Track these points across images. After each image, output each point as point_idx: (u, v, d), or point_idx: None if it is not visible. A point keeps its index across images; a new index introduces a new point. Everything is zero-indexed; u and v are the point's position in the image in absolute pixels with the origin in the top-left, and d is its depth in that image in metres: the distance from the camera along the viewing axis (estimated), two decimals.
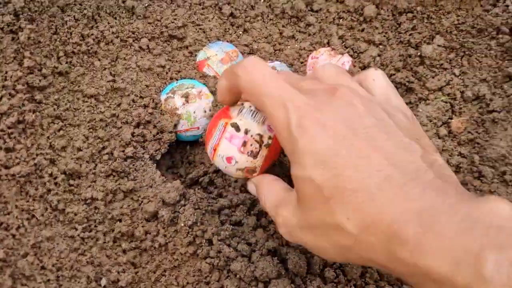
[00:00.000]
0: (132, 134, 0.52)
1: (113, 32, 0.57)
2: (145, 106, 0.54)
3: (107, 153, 0.51)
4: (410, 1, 0.62)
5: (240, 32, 0.63)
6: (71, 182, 0.48)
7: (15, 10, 0.51)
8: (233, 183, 0.54)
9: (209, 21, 0.62)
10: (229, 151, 0.38)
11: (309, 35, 0.64)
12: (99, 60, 0.56)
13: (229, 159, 0.38)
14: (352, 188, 0.28)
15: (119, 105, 0.54)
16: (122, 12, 0.59)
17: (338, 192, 0.28)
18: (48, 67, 0.52)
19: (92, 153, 0.50)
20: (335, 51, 0.60)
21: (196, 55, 0.60)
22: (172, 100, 0.55)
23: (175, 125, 0.54)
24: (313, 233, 0.31)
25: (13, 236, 0.43)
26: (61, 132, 0.50)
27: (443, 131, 0.55)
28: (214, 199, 0.52)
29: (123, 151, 0.51)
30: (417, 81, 0.59)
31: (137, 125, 0.53)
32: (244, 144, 0.37)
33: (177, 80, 0.58)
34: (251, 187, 0.41)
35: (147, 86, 0.56)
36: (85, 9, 0.56)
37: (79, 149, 0.50)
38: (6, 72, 0.49)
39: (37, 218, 0.45)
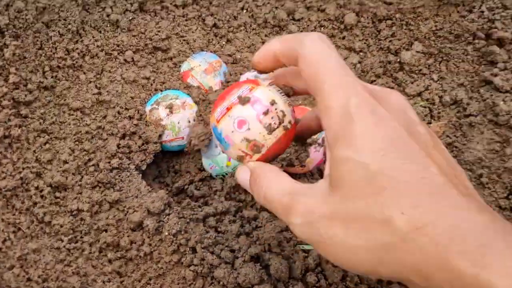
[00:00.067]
0: (118, 146, 0.53)
1: (98, 46, 0.58)
2: (130, 118, 0.56)
3: (93, 165, 0.52)
4: (389, 8, 0.64)
5: (224, 42, 0.65)
6: (57, 194, 0.49)
7: (0, 27, 0.52)
8: (218, 191, 0.56)
9: (192, 32, 0.64)
10: (246, 113, 0.33)
11: None
12: (84, 73, 0.57)
13: (241, 123, 0.34)
14: (412, 182, 0.26)
15: (104, 117, 0.55)
16: (107, 26, 0.60)
17: (395, 183, 0.26)
18: (34, 82, 0.53)
19: (78, 165, 0.51)
20: None
21: (180, 66, 0.62)
22: (156, 111, 0.56)
23: (160, 136, 0.55)
24: (347, 227, 0.27)
25: (0, 249, 0.44)
26: (47, 146, 0.51)
27: None
28: (199, 207, 0.53)
29: (109, 162, 0.52)
30: (397, 86, 0.60)
31: (123, 137, 0.54)
32: (266, 113, 0.33)
33: (161, 91, 0.59)
34: (243, 174, 0.35)
35: (132, 97, 0.57)
36: (69, 24, 0.57)
37: (65, 162, 0.51)
38: None
39: (23, 231, 0.46)
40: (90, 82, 0.57)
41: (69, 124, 0.54)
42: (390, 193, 0.26)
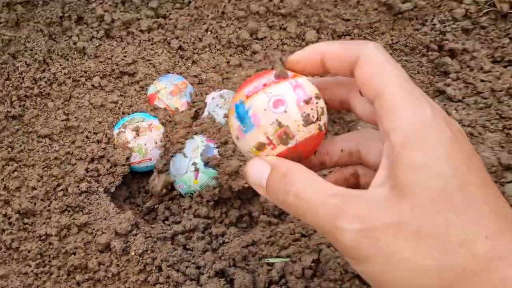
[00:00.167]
0: (86, 170, 0.55)
1: (65, 73, 0.60)
2: (98, 142, 0.57)
3: (61, 190, 0.53)
4: (347, 24, 0.66)
5: (189, 64, 0.67)
6: (26, 220, 0.50)
7: None
8: (187, 209, 0.57)
9: (158, 55, 0.66)
10: (286, 94, 0.29)
11: (255, 62, 0.67)
12: (52, 101, 0.59)
13: (278, 103, 0.29)
14: (492, 207, 0.24)
15: (73, 142, 0.57)
16: (74, 53, 0.62)
17: (479, 204, 0.24)
18: (1, 112, 0.55)
19: (47, 190, 0.53)
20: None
21: (147, 89, 0.63)
22: (123, 134, 0.58)
23: (128, 158, 0.57)
24: (417, 243, 0.24)
25: None
26: (16, 173, 0.53)
27: None
28: (169, 226, 0.55)
29: (78, 186, 0.54)
30: None
31: (91, 161, 0.56)
32: (307, 102, 0.29)
33: (129, 114, 0.61)
34: (258, 167, 0.30)
35: (100, 122, 0.59)
36: (36, 54, 0.59)
37: (34, 188, 0.52)
38: None
39: None
40: (58, 109, 0.58)
41: (38, 151, 0.55)
42: (474, 212, 0.23)
